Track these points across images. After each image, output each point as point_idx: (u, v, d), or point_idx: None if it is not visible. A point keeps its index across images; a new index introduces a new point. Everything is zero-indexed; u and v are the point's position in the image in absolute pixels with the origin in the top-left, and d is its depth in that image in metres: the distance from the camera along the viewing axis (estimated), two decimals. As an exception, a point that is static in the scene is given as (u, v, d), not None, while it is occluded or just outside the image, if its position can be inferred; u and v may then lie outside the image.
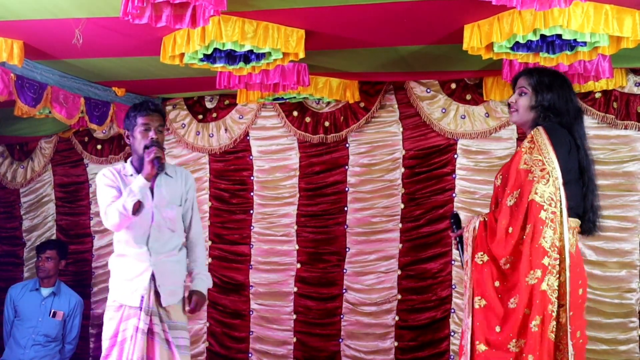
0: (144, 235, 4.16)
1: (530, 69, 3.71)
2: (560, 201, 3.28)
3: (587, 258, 5.37)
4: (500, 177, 3.56)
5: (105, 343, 4.15)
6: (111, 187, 4.17)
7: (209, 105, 6.45)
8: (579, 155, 3.48)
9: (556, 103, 3.49)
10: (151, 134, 4.11)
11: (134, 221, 4.09)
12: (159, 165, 4.02)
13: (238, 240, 6.35)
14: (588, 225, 3.54)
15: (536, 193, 3.25)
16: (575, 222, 3.47)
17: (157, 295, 4.13)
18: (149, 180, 4.00)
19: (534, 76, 3.59)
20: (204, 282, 4.34)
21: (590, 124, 5.39)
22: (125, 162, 4.35)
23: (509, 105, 3.68)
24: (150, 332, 4.09)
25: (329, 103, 6.01)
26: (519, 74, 3.70)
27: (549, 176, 3.26)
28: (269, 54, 4.29)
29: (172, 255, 4.24)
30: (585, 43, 3.96)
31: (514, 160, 3.46)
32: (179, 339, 4.18)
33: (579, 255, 3.51)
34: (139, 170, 4.16)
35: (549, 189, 3.26)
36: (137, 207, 3.97)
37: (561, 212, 3.28)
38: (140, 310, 4.08)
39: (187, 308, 4.24)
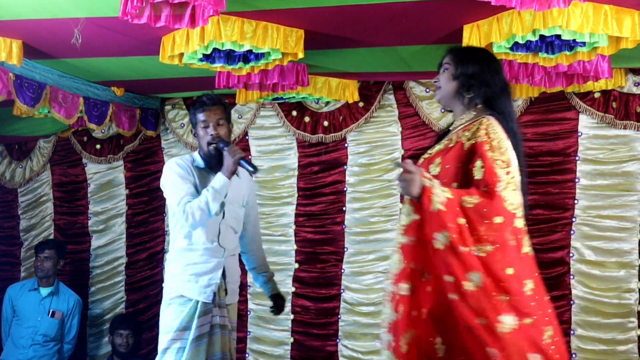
0: (215, 232, 4.13)
1: (454, 46, 3.40)
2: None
3: (585, 258, 5.40)
4: (440, 167, 3.10)
5: (167, 336, 4.05)
6: (186, 180, 4.06)
7: (208, 105, 6.43)
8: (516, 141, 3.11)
9: (480, 74, 3.17)
10: (210, 130, 4.07)
11: None
12: (247, 163, 3.95)
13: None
14: None
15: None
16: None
17: (225, 292, 4.16)
18: (230, 179, 3.93)
19: (455, 51, 3.31)
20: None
21: (590, 123, 5.41)
22: (193, 153, 4.31)
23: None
24: (224, 328, 4.14)
25: (328, 103, 6.01)
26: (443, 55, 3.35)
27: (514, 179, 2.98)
28: (268, 54, 4.29)
29: (235, 255, 4.29)
30: (584, 43, 3.96)
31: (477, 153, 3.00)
32: (233, 341, 4.25)
33: None
34: (209, 164, 4.13)
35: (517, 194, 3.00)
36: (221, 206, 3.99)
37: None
38: (214, 305, 4.09)
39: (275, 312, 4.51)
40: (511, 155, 2.99)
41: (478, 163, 2.95)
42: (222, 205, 3.95)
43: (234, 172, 3.94)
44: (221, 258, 4.14)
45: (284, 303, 4.62)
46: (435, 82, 3.35)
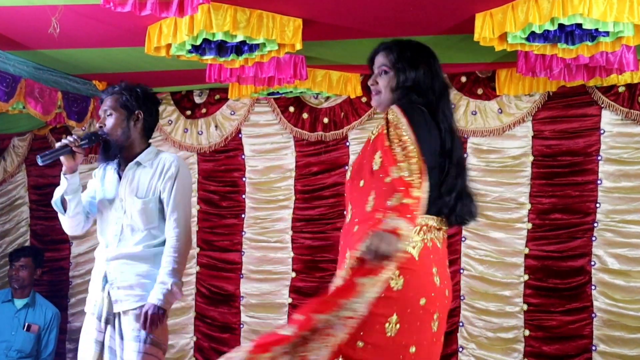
0: (104, 233, 4.08)
1: (389, 43, 3.30)
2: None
3: (608, 267, 5.39)
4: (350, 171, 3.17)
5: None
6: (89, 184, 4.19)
7: (197, 100, 6.44)
8: (441, 137, 3.08)
9: (420, 81, 3.15)
10: (102, 121, 4.05)
11: (101, 217, 4.10)
12: (49, 156, 3.92)
13: (228, 247, 6.34)
14: (458, 215, 3.12)
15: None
16: (426, 219, 3.02)
17: (110, 300, 3.94)
18: (65, 174, 3.95)
19: (394, 51, 3.24)
20: (155, 292, 3.89)
21: (613, 120, 5.41)
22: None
23: (368, 87, 3.34)
24: (111, 351, 3.93)
25: (328, 98, 6.01)
26: (375, 50, 3.32)
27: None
28: (263, 45, 4.28)
29: (134, 252, 3.98)
30: (607, 33, 3.95)
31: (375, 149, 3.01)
32: (135, 353, 3.89)
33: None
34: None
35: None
36: (63, 203, 3.99)
37: None
38: (100, 321, 3.93)
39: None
40: (409, 132, 2.92)
41: (377, 155, 2.95)
42: (62, 202, 4.00)
43: (65, 166, 3.95)
44: (105, 262, 3.99)
45: (152, 317, 3.85)
46: (373, 85, 3.29)
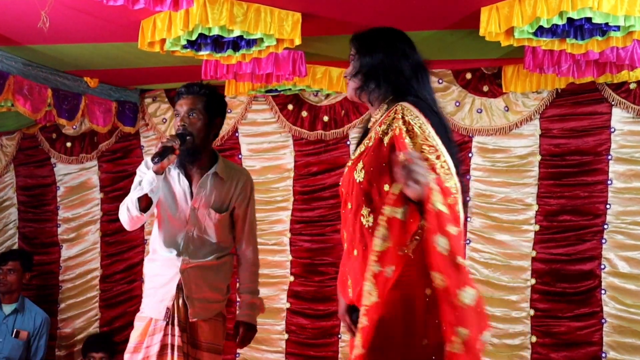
0: (175, 239, 4.13)
1: (357, 32, 3.34)
2: None
3: (619, 270, 5.39)
4: (363, 171, 3.01)
5: (125, 357, 4.11)
6: (137, 179, 4.11)
7: (192, 97, 6.43)
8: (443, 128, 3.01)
9: (383, 62, 3.12)
10: (177, 121, 4.09)
11: (166, 222, 4.12)
12: (162, 156, 3.83)
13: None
14: None
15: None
16: None
17: (186, 308, 4.10)
18: (158, 173, 3.87)
19: (358, 39, 3.28)
20: (250, 311, 4.35)
21: (624, 118, 5.41)
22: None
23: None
24: (177, 349, 4.05)
25: (328, 95, 6.01)
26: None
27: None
28: (261, 40, 4.28)
29: (206, 263, 4.17)
30: (618, 27, 3.94)
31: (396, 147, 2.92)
32: None
33: None
34: (186, 166, 4.16)
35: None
36: (145, 204, 3.91)
37: None
38: (168, 323, 4.07)
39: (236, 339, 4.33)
40: (437, 140, 2.86)
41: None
42: (149, 204, 3.92)
43: (160, 166, 3.86)
44: (177, 269, 4.10)
45: (249, 335, 4.37)
46: (345, 76, 3.29)
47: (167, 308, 4.06)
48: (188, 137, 4.00)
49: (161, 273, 4.15)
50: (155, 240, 4.21)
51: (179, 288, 4.08)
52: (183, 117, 4.05)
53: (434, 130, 2.86)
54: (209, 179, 4.14)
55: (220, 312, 4.28)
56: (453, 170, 2.84)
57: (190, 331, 4.11)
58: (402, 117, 2.92)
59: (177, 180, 4.14)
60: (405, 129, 2.89)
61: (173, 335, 4.05)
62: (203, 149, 4.11)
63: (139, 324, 4.15)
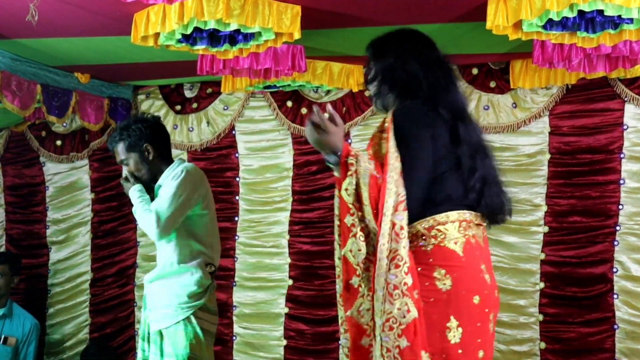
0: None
1: (373, 39, 3.36)
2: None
3: (632, 274, 5.39)
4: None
5: None
6: None
7: (188, 94, 6.44)
8: (450, 128, 3.10)
9: (394, 65, 3.18)
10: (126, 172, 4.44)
11: None
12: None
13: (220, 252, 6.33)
14: (488, 205, 3.19)
15: None
16: (462, 214, 3.07)
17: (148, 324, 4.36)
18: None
19: (371, 46, 3.32)
20: None
21: (638, 114, 5.46)
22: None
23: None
24: None
25: (329, 92, 6.02)
26: None
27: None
28: (259, 34, 4.27)
29: (163, 273, 4.37)
30: (631, 20, 3.94)
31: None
32: None
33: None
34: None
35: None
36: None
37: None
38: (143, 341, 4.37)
39: None
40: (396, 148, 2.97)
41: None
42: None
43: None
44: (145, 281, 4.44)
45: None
46: (367, 89, 3.40)
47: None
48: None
49: None
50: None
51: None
52: (123, 168, 4.45)
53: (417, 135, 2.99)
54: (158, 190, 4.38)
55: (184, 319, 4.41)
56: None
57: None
58: (388, 123, 3.03)
59: None
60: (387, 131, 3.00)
61: (144, 349, 4.47)
62: (153, 176, 4.39)
63: None
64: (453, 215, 3.03)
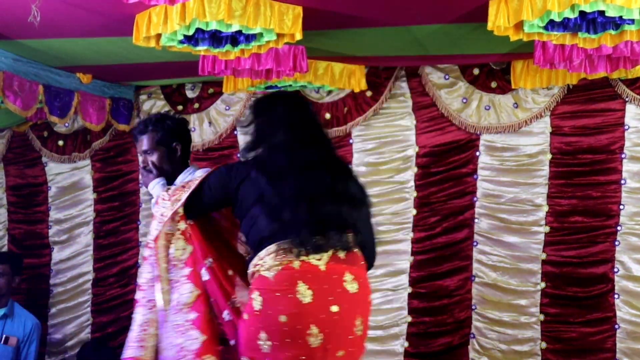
0: None
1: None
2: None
3: (633, 274, 5.40)
4: None
5: None
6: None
7: (190, 94, 6.44)
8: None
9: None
10: (140, 161, 4.33)
11: None
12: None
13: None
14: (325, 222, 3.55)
15: None
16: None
17: None
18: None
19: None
20: None
21: (638, 115, 5.41)
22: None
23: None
24: None
25: (330, 92, 6.01)
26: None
27: None
28: (261, 35, 4.26)
29: None
30: (633, 21, 3.93)
31: None
32: None
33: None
34: None
35: None
36: None
37: None
38: None
39: None
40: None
41: None
42: None
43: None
44: None
45: None
46: None
47: None
48: None
49: None
50: None
51: None
52: (143, 159, 4.31)
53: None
54: None
55: None
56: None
57: None
58: None
59: None
60: None
61: None
62: (169, 176, 4.26)
63: None
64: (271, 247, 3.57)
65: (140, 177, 4.47)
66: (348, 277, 3.52)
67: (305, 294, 3.42)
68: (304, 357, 3.42)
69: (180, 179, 4.22)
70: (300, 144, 3.69)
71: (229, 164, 3.93)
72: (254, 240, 3.57)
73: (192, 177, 4.18)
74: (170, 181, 4.22)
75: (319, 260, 3.48)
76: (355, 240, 3.61)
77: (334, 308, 3.44)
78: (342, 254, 3.53)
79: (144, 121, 4.37)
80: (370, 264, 3.79)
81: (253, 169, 3.62)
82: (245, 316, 3.54)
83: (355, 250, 3.60)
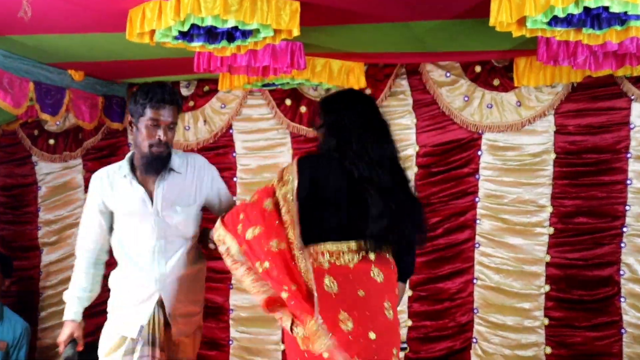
0: (146, 251, 4.11)
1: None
2: None
3: (639, 277, 5.40)
4: None
5: None
6: (93, 200, 4.19)
7: (184, 92, 6.46)
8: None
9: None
10: (159, 132, 4.00)
11: (128, 233, 4.11)
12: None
13: (216, 255, 6.33)
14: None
15: None
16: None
17: (167, 325, 4.10)
18: None
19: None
20: None
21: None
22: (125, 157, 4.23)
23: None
24: None
25: (328, 90, 6.01)
26: None
27: None
28: (257, 31, 4.27)
29: (184, 274, 4.19)
30: (638, 16, 3.94)
31: None
32: None
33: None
34: (141, 168, 4.09)
35: None
36: None
37: None
38: (143, 343, 4.07)
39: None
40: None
41: None
42: None
43: None
44: (154, 285, 4.11)
45: None
46: None
47: (141, 326, 4.06)
48: None
49: (135, 289, 4.12)
50: (121, 254, 4.18)
51: (159, 305, 4.09)
52: (165, 130, 4.02)
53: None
54: (167, 176, 4.11)
55: (199, 325, 4.36)
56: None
57: (170, 349, 4.14)
58: None
59: (130, 187, 4.10)
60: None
61: (154, 357, 4.05)
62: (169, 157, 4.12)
63: (108, 342, 4.17)
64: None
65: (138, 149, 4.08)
66: (375, 270, 3.72)
67: (332, 286, 3.64)
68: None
69: (180, 157, 4.17)
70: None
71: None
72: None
73: (184, 160, 4.16)
74: (164, 162, 4.06)
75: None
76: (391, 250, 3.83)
77: (361, 293, 3.64)
78: (372, 256, 3.73)
79: (171, 90, 4.10)
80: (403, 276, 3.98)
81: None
82: None
83: (388, 255, 3.81)
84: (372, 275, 3.71)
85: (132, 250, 4.13)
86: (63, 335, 4.16)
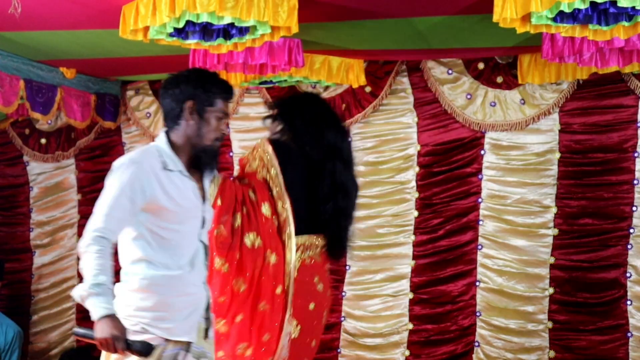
0: (180, 253, 3.74)
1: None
2: None
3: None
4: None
5: None
6: (129, 186, 3.61)
7: (179, 89, 6.42)
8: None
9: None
10: (223, 125, 3.77)
11: (170, 232, 3.69)
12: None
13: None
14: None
15: None
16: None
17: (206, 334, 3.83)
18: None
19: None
20: None
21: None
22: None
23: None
24: None
25: (327, 88, 6.02)
26: None
27: None
28: (254, 27, 4.26)
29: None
30: (646, 12, 3.94)
31: None
32: None
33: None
34: (191, 162, 3.75)
35: None
36: None
37: None
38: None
39: None
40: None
41: None
42: None
43: None
44: (199, 287, 3.77)
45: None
46: None
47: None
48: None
49: (183, 293, 3.72)
50: (161, 254, 3.75)
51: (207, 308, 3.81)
52: (222, 123, 3.79)
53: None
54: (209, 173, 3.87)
55: None
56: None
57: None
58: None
59: (181, 181, 3.69)
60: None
61: None
62: None
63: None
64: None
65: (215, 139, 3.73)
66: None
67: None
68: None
69: None
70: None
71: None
72: None
73: None
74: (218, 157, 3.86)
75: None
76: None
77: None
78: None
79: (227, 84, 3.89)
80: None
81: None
82: None
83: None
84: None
85: (174, 251, 3.72)
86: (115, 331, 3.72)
